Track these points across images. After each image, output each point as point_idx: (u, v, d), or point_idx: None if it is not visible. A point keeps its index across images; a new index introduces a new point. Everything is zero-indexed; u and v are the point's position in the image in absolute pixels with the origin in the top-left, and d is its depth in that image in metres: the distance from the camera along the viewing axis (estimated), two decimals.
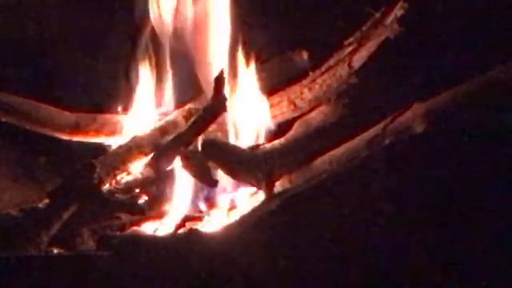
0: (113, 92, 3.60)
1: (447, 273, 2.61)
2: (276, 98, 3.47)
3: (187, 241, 2.66)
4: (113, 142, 3.49)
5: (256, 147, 3.32)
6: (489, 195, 2.67)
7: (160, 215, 3.29)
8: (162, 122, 3.44)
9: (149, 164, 3.29)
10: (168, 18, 3.52)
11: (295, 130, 3.33)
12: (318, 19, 3.70)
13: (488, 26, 3.36)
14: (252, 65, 3.47)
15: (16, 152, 3.72)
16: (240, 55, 3.46)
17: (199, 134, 3.30)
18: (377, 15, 3.37)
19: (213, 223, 3.20)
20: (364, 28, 3.40)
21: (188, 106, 3.49)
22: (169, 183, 3.31)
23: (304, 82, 3.44)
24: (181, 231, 3.17)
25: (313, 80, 3.41)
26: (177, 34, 3.52)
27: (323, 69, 3.42)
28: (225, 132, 3.40)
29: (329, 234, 2.62)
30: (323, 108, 3.36)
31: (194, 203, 3.33)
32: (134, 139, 3.35)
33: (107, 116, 3.56)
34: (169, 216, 3.27)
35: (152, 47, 3.57)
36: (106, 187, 3.20)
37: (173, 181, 3.31)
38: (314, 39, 3.63)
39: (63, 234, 3.09)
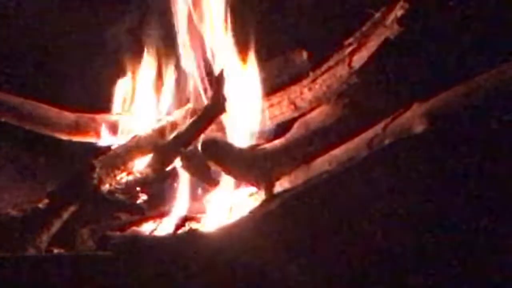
0: (113, 92, 3.60)
1: (448, 273, 2.61)
2: (276, 98, 3.48)
3: (187, 241, 2.66)
4: (113, 142, 3.49)
5: (256, 147, 3.32)
6: (489, 195, 2.67)
7: (160, 215, 3.29)
8: (162, 122, 3.44)
9: (149, 164, 3.29)
10: (168, 17, 3.53)
11: (295, 130, 3.33)
12: (318, 19, 3.70)
13: (488, 26, 3.36)
14: (252, 65, 3.48)
15: (16, 152, 3.73)
16: (240, 55, 3.46)
17: (199, 134, 3.30)
18: (377, 15, 3.37)
19: (213, 223, 3.20)
20: (364, 28, 3.40)
21: (188, 106, 3.50)
22: (169, 183, 3.31)
23: (304, 82, 3.44)
24: (181, 231, 3.17)
25: (313, 80, 3.41)
26: (178, 34, 3.52)
27: (323, 69, 3.42)
28: (225, 132, 3.40)
29: (329, 234, 2.62)
30: (323, 108, 3.35)
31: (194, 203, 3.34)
32: (134, 139, 3.35)
33: (107, 116, 3.56)
34: (169, 216, 3.27)
35: (153, 47, 3.57)
36: (106, 187, 3.20)
37: (173, 181, 3.31)
38: (314, 39, 3.63)
39: (63, 234, 3.09)
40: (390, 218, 2.64)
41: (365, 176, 2.71)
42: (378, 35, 3.34)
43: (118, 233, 3.12)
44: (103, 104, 3.60)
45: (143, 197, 3.26)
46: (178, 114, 3.47)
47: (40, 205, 3.11)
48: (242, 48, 3.47)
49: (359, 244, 2.62)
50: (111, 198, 3.19)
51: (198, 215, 3.29)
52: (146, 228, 3.25)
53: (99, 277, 2.55)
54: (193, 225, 3.22)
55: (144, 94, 3.57)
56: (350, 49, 3.38)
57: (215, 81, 3.30)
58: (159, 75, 3.57)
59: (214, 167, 3.28)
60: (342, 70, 3.36)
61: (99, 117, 3.56)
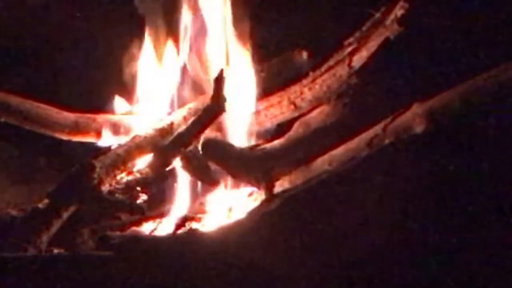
0: (113, 92, 3.60)
1: (448, 272, 2.61)
2: (276, 98, 3.47)
3: (187, 241, 2.66)
4: (113, 142, 3.49)
5: (256, 147, 3.32)
6: (489, 195, 2.67)
7: (160, 215, 3.28)
8: (162, 122, 3.44)
9: (149, 164, 3.29)
10: (168, 18, 3.53)
11: (295, 130, 3.33)
12: (318, 19, 3.70)
13: (488, 26, 3.36)
14: (252, 65, 3.48)
15: (16, 152, 3.73)
16: (240, 55, 3.46)
17: (199, 134, 3.30)
18: (377, 15, 3.38)
19: (213, 223, 3.20)
20: (364, 28, 3.40)
21: (188, 106, 3.50)
22: (169, 183, 3.31)
23: (304, 82, 3.44)
24: (181, 231, 3.17)
25: (313, 80, 3.41)
26: (178, 34, 3.52)
27: (323, 69, 3.42)
28: (225, 132, 3.40)
29: (329, 234, 2.62)
30: (323, 108, 3.35)
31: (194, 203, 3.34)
32: (134, 139, 3.35)
33: (107, 116, 3.56)
34: (169, 216, 3.27)
35: (153, 47, 3.57)
36: (106, 187, 3.19)
37: (173, 181, 3.31)
38: (314, 39, 3.63)
39: (63, 234, 3.09)
40: (390, 218, 2.64)
41: (365, 176, 2.71)
42: (378, 35, 3.35)
43: (118, 233, 3.12)
44: (103, 104, 3.60)
45: (143, 197, 3.26)
46: (178, 114, 3.47)
47: (40, 205, 3.11)
48: (242, 48, 3.47)
49: (359, 244, 2.62)
50: (111, 198, 3.19)
51: (198, 215, 3.29)
52: (146, 228, 3.24)
53: (99, 277, 2.55)
54: (193, 225, 3.22)
55: (144, 94, 3.57)
56: (350, 49, 3.38)
57: (215, 81, 3.30)
58: (160, 75, 3.57)
59: (214, 167, 3.28)
60: (342, 70, 3.36)
61: (99, 117, 3.56)
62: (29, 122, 3.52)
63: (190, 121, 3.36)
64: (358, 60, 3.35)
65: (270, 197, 3.09)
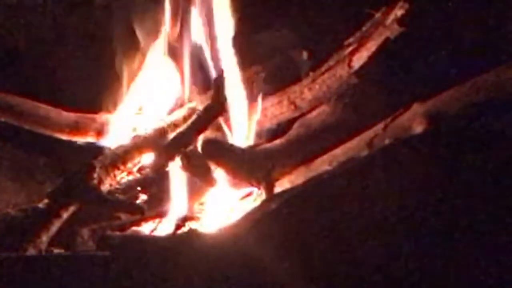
0: (113, 92, 3.60)
1: (447, 273, 2.61)
2: (276, 98, 3.48)
3: (187, 241, 2.66)
4: (113, 142, 3.49)
5: (256, 147, 3.32)
6: (489, 195, 2.67)
7: (160, 215, 3.28)
8: (162, 122, 3.44)
9: (149, 164, 3.29)
10: (168, 18, 3.53)
11: (295, 130, 3.33)
12: (318, 19, 3.70)
13: (488, 25, 3.36)
14: (252, 65, 3.48)
15: (16, 152, 3.73)
16: (240, 55, 3.46)
17: (199, 134, 3.30)
18: (377, 15, 3.38)
19: (213, 223, 3.20)
20: (364, 28, 3.40)
21: (188, 106, 3.50)
22: (169, 183, 3.31)
23: (304, 82, 3.44)
24: (181, 231, 3.17)
25: (313, 80, 3.42)
26: (178, 34, 3.52)
27: (323, 69, 3.42)
28: (225, 132, 3.40)
29: (329, 234, 2.62)
30: (323, 108, 3.36)
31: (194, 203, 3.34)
32: (134, 139, 3.35)
33: (107, 116, 3.56)
34: (169, 216, 3.27)
35: (153, 47, 3.58)
36: (106, 187, 3.19)
37: (173, 181, 3.31)
38: (314, 39, 3.63)
39: (63, 234, 3.09)
40: (390, 218, 2.64)
41: (365, 176, 2.71)
42: (378, 35, 3.35)
43: (118, 233, 3.12)
44: (103, 104, 3.60)
45: (143, 197, 3.26)
46: (178, 114, 3.47)
47: (40, 205, 3.11)
48: (242, 48, 3.47)
49: (359, 245, 2.62)
50: (111, 198, 3.19)
51: (198, 215, 3.29)
52: (146, 228, 3.24)
53: (99, 277, 2.55)
54: (193, 225, 3.22)
55: (144, 94, 3.57)
56: (350, 49, 3.39)
57: (215, 81, 3.30)
58: (160, 75, 3.57)
59: (214, 167, 3.29)
60: (342, 70, 3.36)
61: (99, 117, 3.56)
62: (29, 122, 3.52)
63: (190, 121, 3.36)
64: (358, 60, 3.35)
65: (270, 197, 3.09)
